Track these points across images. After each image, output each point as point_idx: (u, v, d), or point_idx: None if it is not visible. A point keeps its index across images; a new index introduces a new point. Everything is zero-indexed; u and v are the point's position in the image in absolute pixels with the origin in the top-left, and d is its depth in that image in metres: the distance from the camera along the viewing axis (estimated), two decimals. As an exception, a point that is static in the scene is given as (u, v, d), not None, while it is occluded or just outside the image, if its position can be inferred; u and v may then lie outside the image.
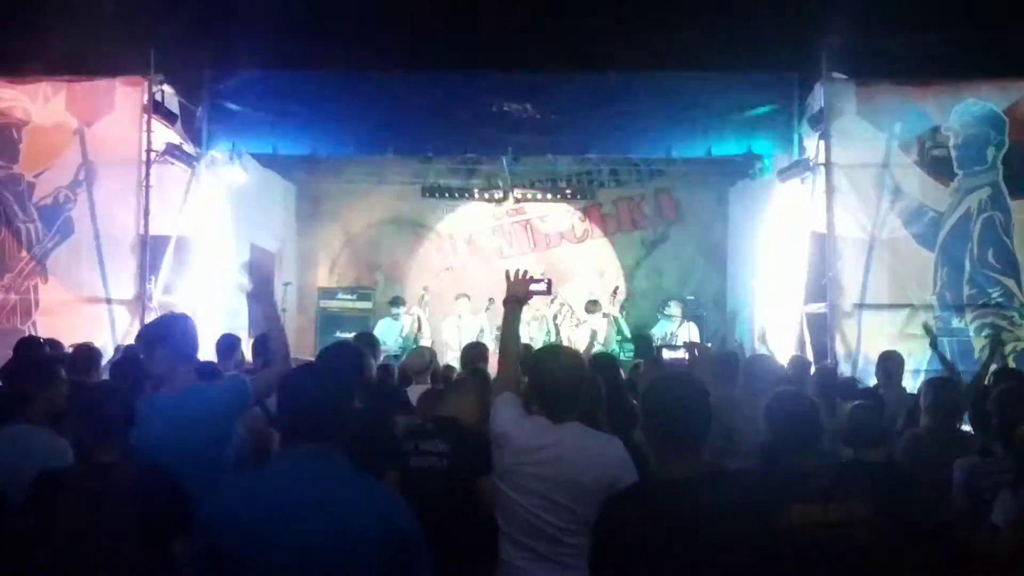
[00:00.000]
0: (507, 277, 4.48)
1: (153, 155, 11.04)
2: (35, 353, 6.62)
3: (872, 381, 8.34)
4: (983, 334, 10.26)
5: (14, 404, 4.50)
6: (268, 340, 4.81)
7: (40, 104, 11.07)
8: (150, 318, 10.69)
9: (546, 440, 3.82)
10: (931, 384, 5.88)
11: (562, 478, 3.73)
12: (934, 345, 8.59)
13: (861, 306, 10.45)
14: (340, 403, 3.09)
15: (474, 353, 7.82)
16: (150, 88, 10.98)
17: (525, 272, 4.49)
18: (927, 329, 9.07)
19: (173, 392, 4.22)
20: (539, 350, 4.40)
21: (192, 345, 4.46)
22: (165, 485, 3.55)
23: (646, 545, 3.02)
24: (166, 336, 4.39)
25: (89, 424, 3.72)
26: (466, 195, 15.78)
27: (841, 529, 3.61)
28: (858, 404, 4.84)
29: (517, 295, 4.40)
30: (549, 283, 4.68)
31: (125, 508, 3.43)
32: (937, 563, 4.32)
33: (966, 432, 5.63)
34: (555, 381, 3.92)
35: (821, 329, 10.71)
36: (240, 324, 12.16)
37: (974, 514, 4.44)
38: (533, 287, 4.49)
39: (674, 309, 13.33)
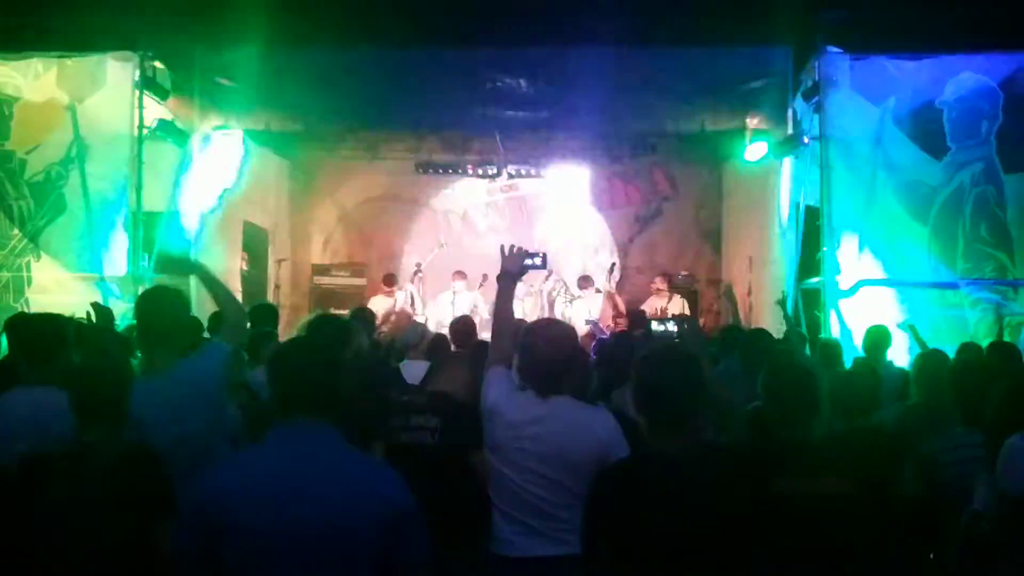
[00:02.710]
0: (502, 252, 4.47)
1: (145, 131, 10.98)
2: (48, 316, 6.56)
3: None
4: (977, 308, 10.28)
5: (33, 367, 4.42)
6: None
7: (31, 80, 11.00)
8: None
9: (535, 414, 3.82)
10: (920, 357, 5.90)
11: (551, 452, 3.74)
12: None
13: (855, 281, 10.45)
14: (333, 377, 3.07)
15: (464, 327, 7.76)
16: (142, 64, 10.90)
17: (520, 247, 4.47)
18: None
19: (153, 377, 4.09)
20: (530, 324, 4.38)
21: (171, 325, 4.24)
22: (148, 464, 3.52)
23: (636, 518, 3.03)
24: (144, 316, 4.31)
25: (79, 402, 3.70)
26: (460, 171, 15.74)
27: (828, 503, 3.62)
28: (852, 371, 4.85)
29: (511, 270, 4.39)
30: (544, 257, 4.67)
31: (106, 488, 3.41)
32: (921, 537, 4.33)
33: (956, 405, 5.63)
34: (545, 355, 3.92)
35: (815, 304, 10.72)
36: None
37: (957, 487, 4.45)
38: (528, 261, 4.48)
39: (661, 283, 13.35)
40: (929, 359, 5.83)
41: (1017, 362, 6.49)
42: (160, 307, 4.28)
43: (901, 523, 4.13)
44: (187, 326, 4.45)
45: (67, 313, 8.12)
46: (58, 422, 3.81)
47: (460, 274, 13.63)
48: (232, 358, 4.23)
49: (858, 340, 9.78)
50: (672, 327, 6.32)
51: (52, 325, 4.59)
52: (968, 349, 7.16)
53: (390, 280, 13.72)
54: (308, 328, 5.24)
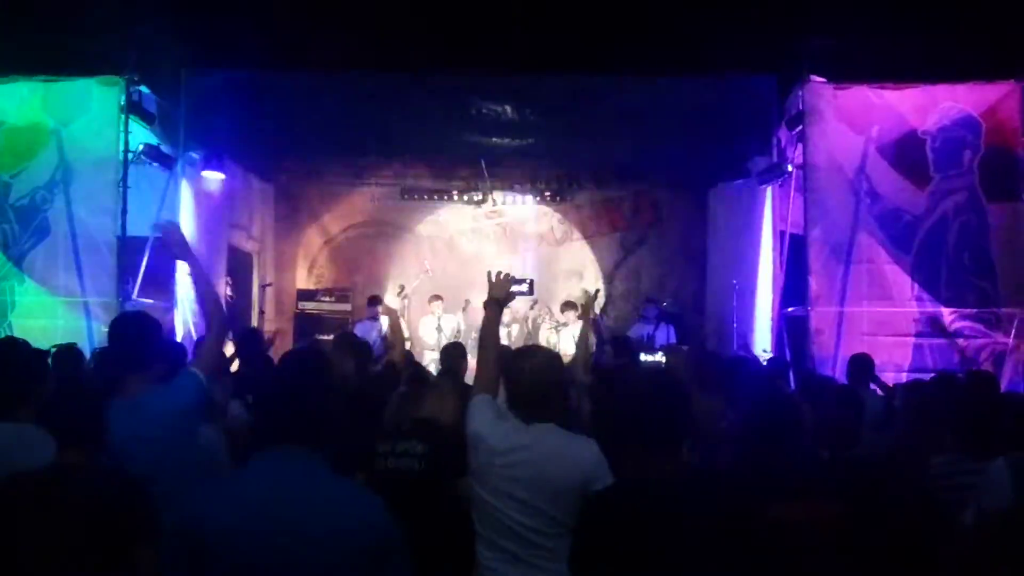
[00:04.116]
0: (488, 278, 4.47)
1: (130, 156, 10.97)
2: (25, 349, 6.51)
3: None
4: (961, 337, 10.33)
5: (5, 403, 4.38)
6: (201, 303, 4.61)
7: (16, 104, 10.99)
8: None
9: (519, 442, 3.82)
10: (906, 385, 5.93)
11: (535, 480, 3.73)
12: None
13: (839, 309, 10.49)
14: (319, 404, 3.05)
15: (455, 352, 7.78)
16: (127, 88, 10.91)
17: (507, 274, 4.47)
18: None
19: (123, 399, 4.01)
20: (515, 350, 4.38)
21: (144, 350, 4.21)
22: (126, 487, 3.50)
23: (627, 545, 3.02)
24: (114, 341, 4.26)
25: (56, 426, 3.67)
26: (445, 197, 15.77)
27: (815, 528, 3.62)
28: (835, 403, 4.86)
29: (498, 296, 4.40)
30: (531, 284, 4.68)
31: (83, 511, 3.38)
32: (909, 562, 4.34)
33: (941, 431, 5.65)
34: (528, 381, 3.92)
35: (800, 332, 10.75)
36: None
37: (947, 513, 4.47)
38: (515, 288, 4.48)
39: (650, 311, 13.36)
40: (914, 389, 5.86)
41: (996, 389, 6.54)
42: (133, 332, 4.24)
43: (892, 549, 4.14)
44: (160, 353, 4.38)
45: (51, 338, 8.15)
46: (29, 459, 3.77)
47: (437, 297, 13.63)
48: (203, 386, 4.16)
49: (841, 367, 9.83)
50: (660, 357, 6.33)
51: (24, 362, 4.53)
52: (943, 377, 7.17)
53: (375, 301, 13.69)
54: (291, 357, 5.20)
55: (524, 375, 3.94)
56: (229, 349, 8.39)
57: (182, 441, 4.04)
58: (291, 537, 2.79)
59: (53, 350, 7.50)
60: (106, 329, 10.30)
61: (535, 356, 4.13)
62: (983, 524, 4.06)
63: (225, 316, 4.56)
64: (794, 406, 4.08)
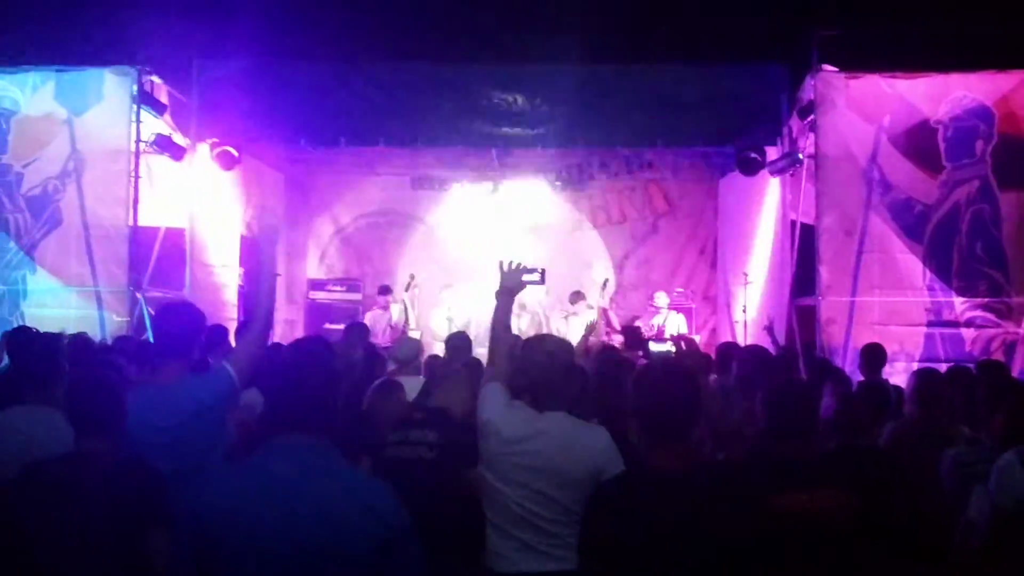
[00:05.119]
0: (500, 267, 4.47)
1: (142, 146, 11.00)
2: (41, 337, 6.59)
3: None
4: (972, 327, 10.31)
5: (30, 386, 4.45)
6: (256, 294, 4.60)
7: (29, 94, 11.03)
8: (139, 309, 10.69)
9: (530, 430, 3.83)
10: (917, 374, 5.92)
11: (546, 468, 3.74)
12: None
13: (850, 299, 10.46)
14: (329, 393, 3.06)
15: (460, 343, 7.78)
16: (139, 78, 10.93)
17: (519, 263, 4.47)
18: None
19: (158, 386, 4.11)
20: (527, 339, 4.38)
21: (185, 340, 4.28)
22: (142, 475, 3.53)
23: (635, 533, 3.03)
24: (155, 329, 4.33)
25: (76, 414, 3.71)
26: (456, 187, 15.74)
27: (826, 517, 3.62)
28: (848, 392, 4.87)
29: (510, 286, 4.40)
30: (543, 273, 4.68)
31: (100, 497, 3.42)
32: (919, 552, 4.34)
33: (951, 421, 5.65)
34: (540, 370, 3.93)
35: (811, 321, 10.72)
36: (229, 315, 12.16)
37: (958, 503, 4.47)
38: (526, 277, 4.47)
39: (661, 300, 13.34)
40: (924, 376, 5.85)
41: (1007, 378, 6.54)
42: (175, 322, 4.30)
43: (899, 537, 4.14)
44: (197, 342, 4.43)
45: (63, 326, 8.19)
46: (55, 442, 3.82)
47: (448, 289, 13.62)
48: (235, 385, 4.16)
49: (851, 357, 9.82)
50: (670, 347, 6.33)
51: (50, 347, 4.58)
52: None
53: (385, 291, 13.71)
54: (298, 346, 5.22)
55: (535, 364, 3.95)
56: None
57: (208, 435, 4.05)
58: (300, 525, 2.79)
59: (65, 340, 7.57)
60: (118, 318, 10.45)
61: (546, 345, 4.14)
62: (996, 516, 4.07)
63: (269, 319, 4.55)
64: (809, 398, 4.08)
